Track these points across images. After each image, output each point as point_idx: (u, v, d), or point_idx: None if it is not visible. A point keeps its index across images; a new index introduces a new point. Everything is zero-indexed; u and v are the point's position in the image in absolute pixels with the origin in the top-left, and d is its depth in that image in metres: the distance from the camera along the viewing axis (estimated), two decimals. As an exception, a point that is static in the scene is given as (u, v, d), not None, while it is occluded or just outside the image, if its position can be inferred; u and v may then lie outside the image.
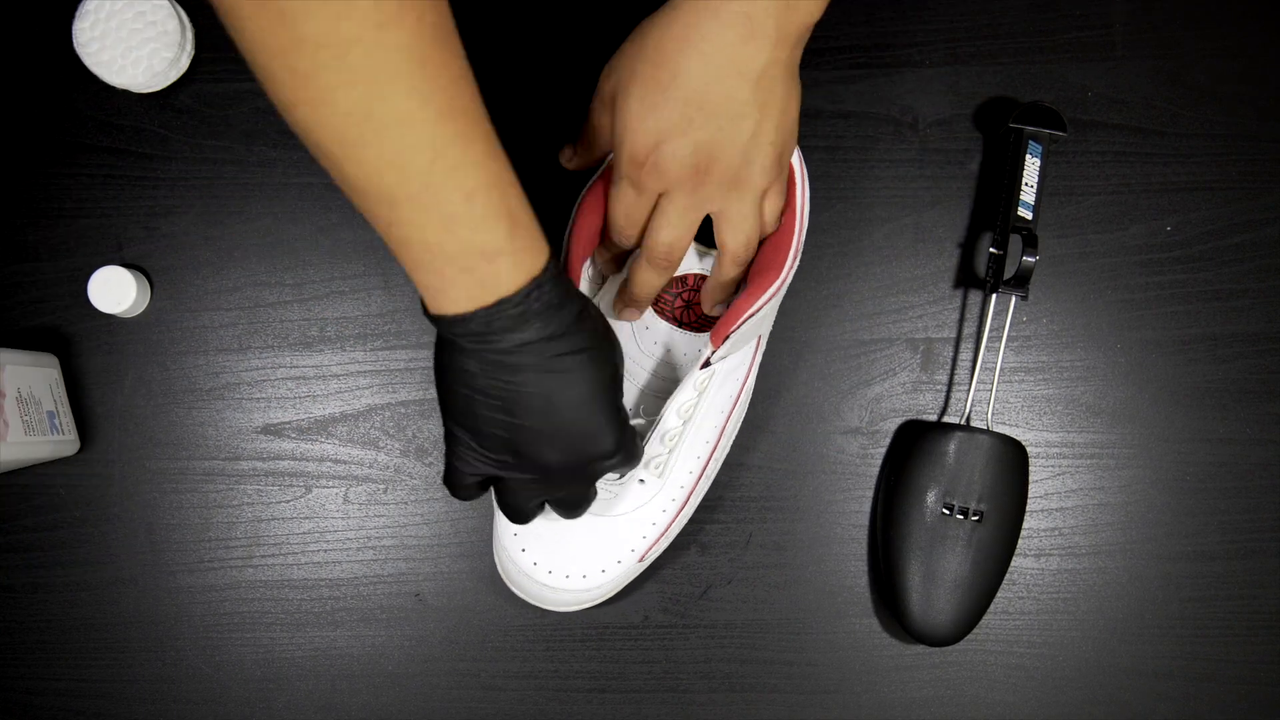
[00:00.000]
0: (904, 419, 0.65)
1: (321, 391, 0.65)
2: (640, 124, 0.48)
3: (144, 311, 0.65)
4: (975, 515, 0.61)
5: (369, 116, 0.38)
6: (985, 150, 0.65)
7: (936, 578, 0.61)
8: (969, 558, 0.61)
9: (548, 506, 0.54)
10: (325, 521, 0.65)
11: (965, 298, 0.65)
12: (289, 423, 0.65)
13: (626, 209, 0.52)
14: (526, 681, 0.64)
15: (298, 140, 0.65)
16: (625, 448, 0.49)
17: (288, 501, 0.65)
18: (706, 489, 0.61)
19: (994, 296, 0.62)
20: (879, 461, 0.65)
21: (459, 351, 0.45)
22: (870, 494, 0.64)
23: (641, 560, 0.60)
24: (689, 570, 0.64)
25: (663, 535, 0.59)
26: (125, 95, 0.66)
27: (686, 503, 0.60)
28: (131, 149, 0.66)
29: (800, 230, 0.56)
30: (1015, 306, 0.64)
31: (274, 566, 0.65)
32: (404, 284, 0.65)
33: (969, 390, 0.63)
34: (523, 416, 0.45)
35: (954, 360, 0.65)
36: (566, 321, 0.44)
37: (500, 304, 0.42)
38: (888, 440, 0.65)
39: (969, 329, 0.65)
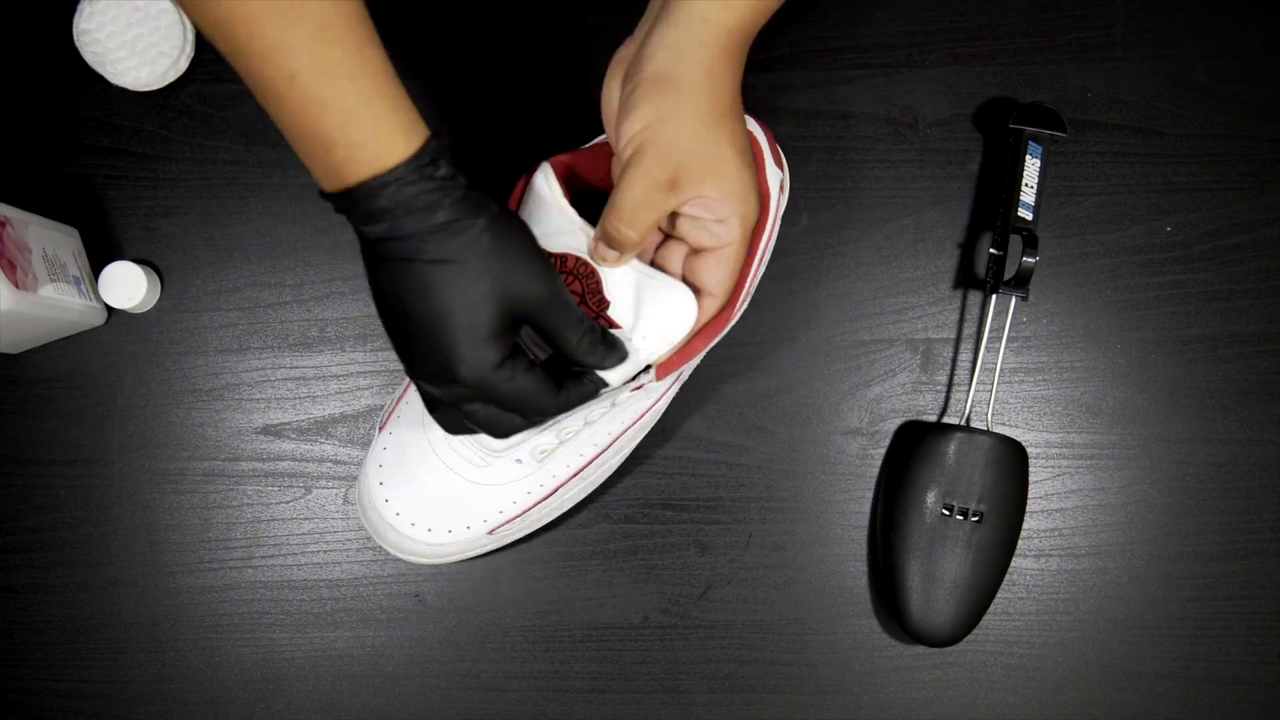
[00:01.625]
0: (904, 419, 0.65)
1: (321, 392, 0.65)
2: (755, 190, 0.53)
3: (152, 308, 0.65)
4: (975, 516, 0.61)
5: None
6: (985, 151, 0.65)
7: (936, 578, 0.61)
8: (969, 558, 0.61)
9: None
10: (325, 522, 0.65)
11: (965, 298, 0.65)
12: (288, 423, 0.65)
13: None
14: (526, 682, 0.64)
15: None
16: (483, 383, 0.47)
17: (287, 502, 0.65)
18: (584, 494, 0.61)
19: (994, 297, 0.62)
20: (879, 462, 0.65)
21: (357, 235, 0.47)
22: (870, 495, 0.64)
23: (491, 534, 0.59)
24: (689, 571, 0.64)
25: (518, 516, 0.59)
26: (125, 95, 0.66)
27: (553, 494, 0.59)
28: (131, 149, 0.66)
29: (756, 273, 0.56)
30: (1015, 307, 0.64)
31: (273, 567, 0.65)
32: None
33: (969, 391, 0.63)
34: (383, 312, 0.48)
35: (954, 361, 0.65)
36: (420, 228, 0.44)
37: (349, 194, 0.44)
38: (887, 441, 0.65)
39: (969, 329, 0.65)
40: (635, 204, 0.49)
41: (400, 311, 0.46)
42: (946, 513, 0.61)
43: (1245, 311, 0.64)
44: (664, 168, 0.49)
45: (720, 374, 0.64)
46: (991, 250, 0.63)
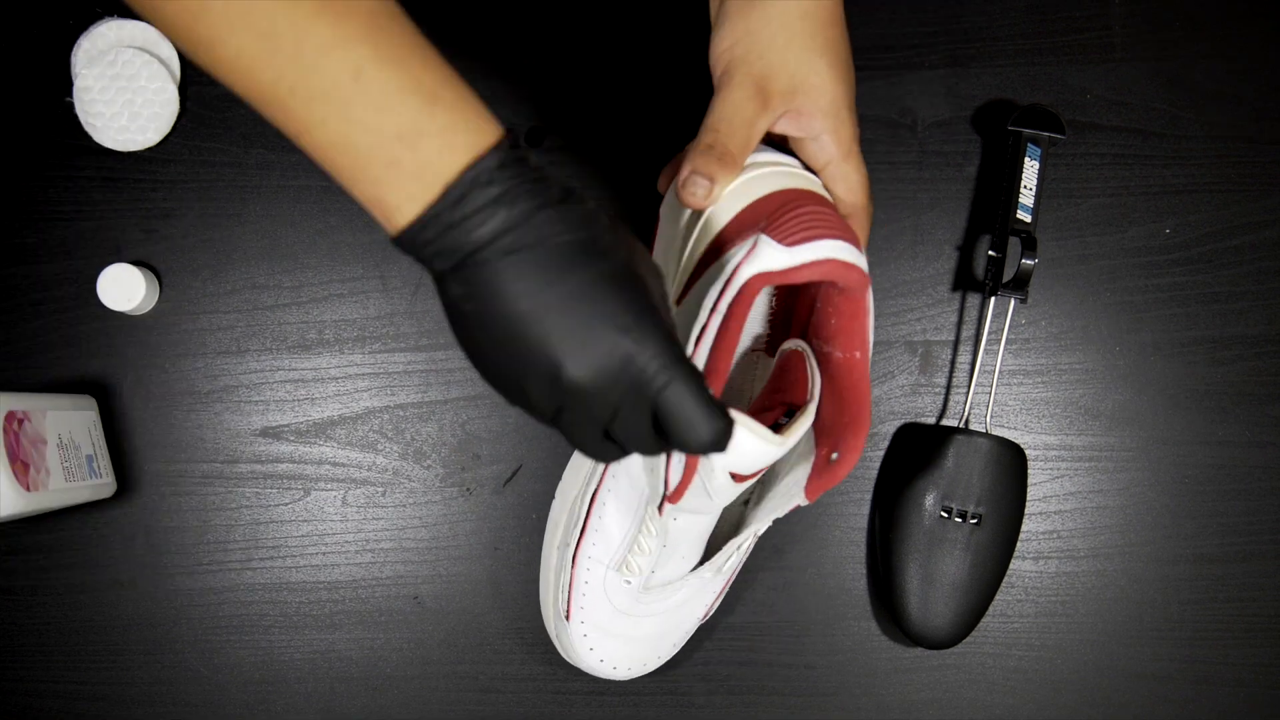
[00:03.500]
0: (902, 421, 0.65)
1: (320, 394, 0.65)
2: (848, 105, 0.50)
3: (150, 310, 0.65)
4: (974, 518, 0.61)
5: (227, 7, 0.35)
6: (984, 153, 0.65)
7: (935, 580, 0.61)
8: (967, 560, 0.61)
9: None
10: (323, 524, 0.65)
11: (964, 300, 0.65)
12: (287, 425, 0.65)
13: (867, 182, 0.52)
14: (525, 684, 0.64)
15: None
16: (600, 372, 0.38)
17: (286, 504, 0.65)
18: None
19: (993, 299, 0.62)
20: (877, 464, 0.64)
21: (442, 281, 0.39)
22: (869, 497, 0.64)
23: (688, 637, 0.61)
24: (687, 573, 0.64)
25: (709, 609, 0.60)
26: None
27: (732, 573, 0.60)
28: (130, 150, 0.66)
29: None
30: (1014, 309, 0.64)
31: (272, 569, 0.65)
32: (402, 286, 0.65)
33: (967, 393, 0.63)
34: (510, 336, 0.38)
35: (953, 363, 0.65)
36: (530, 208, 0.37)
37: (446, 194, 0.37)
38: (886, 443, 0.64)
39: (968, 331, 0.65)
40: (729, 121, 0.48)
41: (502, 316, 0.38)
42: (945, 515, 0.61)
43: (1245, 314, 0.64)
44: (753, 82, 0.47)
45: (719, 376, 0.64)
46: (990, 252, 0.63)
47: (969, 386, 0.63)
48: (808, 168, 0.52)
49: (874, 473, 0.64)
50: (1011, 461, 0.62)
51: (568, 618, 0.58)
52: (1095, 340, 0.65)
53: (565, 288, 0.38)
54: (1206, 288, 0.64)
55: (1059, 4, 0.65)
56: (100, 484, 0.62)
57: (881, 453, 0.64)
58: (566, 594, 0.58)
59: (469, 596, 0.64)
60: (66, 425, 0.60)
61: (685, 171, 0.48)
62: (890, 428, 0.65)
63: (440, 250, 0.38)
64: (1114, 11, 0.65)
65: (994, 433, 0.63)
